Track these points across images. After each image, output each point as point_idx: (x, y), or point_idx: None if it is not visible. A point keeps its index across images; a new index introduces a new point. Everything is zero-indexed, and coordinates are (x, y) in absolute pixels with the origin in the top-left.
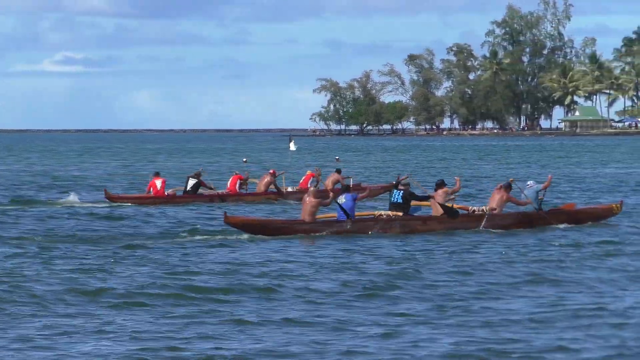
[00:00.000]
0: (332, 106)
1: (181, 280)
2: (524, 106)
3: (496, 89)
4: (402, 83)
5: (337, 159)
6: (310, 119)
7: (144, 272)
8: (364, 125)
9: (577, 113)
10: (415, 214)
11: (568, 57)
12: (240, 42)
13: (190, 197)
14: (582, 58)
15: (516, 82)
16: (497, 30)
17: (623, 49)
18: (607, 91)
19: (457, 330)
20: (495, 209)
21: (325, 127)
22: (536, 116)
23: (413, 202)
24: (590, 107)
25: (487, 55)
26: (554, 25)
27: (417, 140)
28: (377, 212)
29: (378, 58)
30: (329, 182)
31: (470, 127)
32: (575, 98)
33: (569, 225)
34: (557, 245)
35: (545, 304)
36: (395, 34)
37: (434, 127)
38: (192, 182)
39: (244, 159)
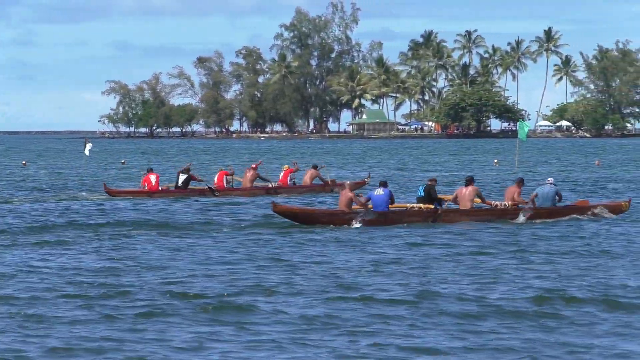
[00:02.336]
0: (121, 108)
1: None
2: (312, 109)
3: (285, 92)
4: (192, 85)
5: (123, 162)
6: (99, 121)
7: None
8: (154, 127)
9: (364, 116)
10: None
11: (355, 61)
12: (28, 43)
13: (184, 191)
14: (369, 62)
15: (305, 85)
16: (286, 34)
17: (409, 53)
18: (394, 94)
19: None
20: (515, 204)
21: (114, 129)
22: (324, 119)
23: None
24: (378, 110)
25: (276, 58)
26: (341, 29)
27: (219, 142)
28: (409, 205)
29: (167, 60)
30: (307, 178)
31: (259, 129)
32: (363, 101)
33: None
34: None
35: None
36: (184, 36)
37: (223, 129)
38: (182, 177)
39: (23, 162)
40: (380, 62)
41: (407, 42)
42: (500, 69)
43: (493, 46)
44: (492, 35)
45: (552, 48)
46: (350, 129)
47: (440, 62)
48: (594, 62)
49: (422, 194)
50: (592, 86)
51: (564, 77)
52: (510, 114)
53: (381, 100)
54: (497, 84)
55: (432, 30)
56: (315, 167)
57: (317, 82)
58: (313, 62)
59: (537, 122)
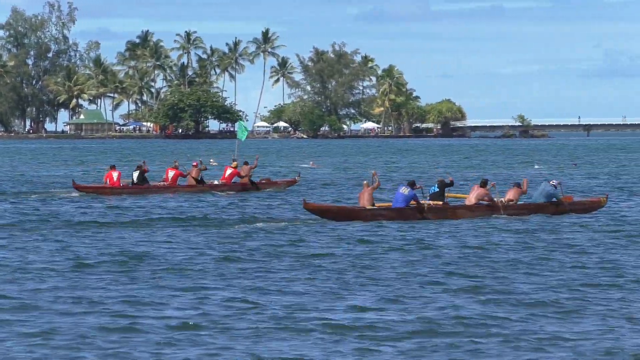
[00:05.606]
0: None
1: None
2: (29, 109)
3: (1, 91)
4: None
5: None
6: None
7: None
8: None
9: (82, 116)
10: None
11: (73, 61)
12: None
13: (143, 187)
14: (86, 62)
15: (21, 85)
16: (2, 33)
17: (127, 53)
18: (112, 95)
19: None
20: (512, 200)
21: None
22: (41, 119)
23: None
24: (95, 110)
25: None
26: (58, 29)
27: None
28: (423, 202)
29: None
30: (245, 174)
31: None
32: (81, 101)
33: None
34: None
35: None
36: None
37: None
38: (136, 174)
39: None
40: (97, 62)
41: (125, 42)
42: (218, 70)
43: (211, 47)
44: (211, 36)
45: (269, 49)
46: (67, 129)
47: (158, 63)
48: (310, 64)
49: (437, 189)
50: (308, 88)
51: (281, 79)
52: (229, 114)
53: (99, 100)
54: (215, 85)
55: (148, 30)
56: (246, 162)
57: (34, 82)
58: (30, 62)
59: (254, 123)
